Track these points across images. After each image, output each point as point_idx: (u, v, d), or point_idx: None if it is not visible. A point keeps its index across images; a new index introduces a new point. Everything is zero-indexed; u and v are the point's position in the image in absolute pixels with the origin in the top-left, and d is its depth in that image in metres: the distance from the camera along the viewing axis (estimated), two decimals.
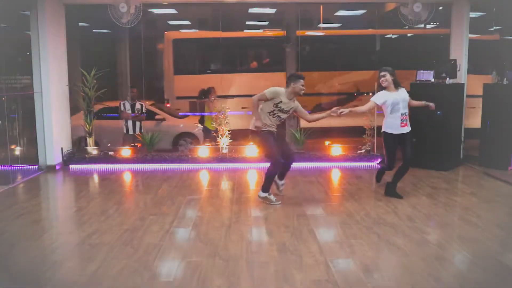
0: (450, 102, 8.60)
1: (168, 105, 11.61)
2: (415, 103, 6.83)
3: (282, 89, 6.30)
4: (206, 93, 10.10)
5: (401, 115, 6.47)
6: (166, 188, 7.55)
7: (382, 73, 6.50)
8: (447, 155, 8.64)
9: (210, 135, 9.79)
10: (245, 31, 12.14)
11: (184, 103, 12.00)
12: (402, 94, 6.53)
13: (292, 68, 10.18)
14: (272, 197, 6.53)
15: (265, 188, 6.52)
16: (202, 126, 10.35)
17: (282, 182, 6.84)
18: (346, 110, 6.33)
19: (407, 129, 6.56)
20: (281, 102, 6.27)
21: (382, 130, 6.65)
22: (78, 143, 10.07)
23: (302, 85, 6.30)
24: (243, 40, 12.27)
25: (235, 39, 11.93)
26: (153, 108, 10.88)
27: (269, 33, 12.59)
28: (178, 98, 12.00)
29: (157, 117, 10.78)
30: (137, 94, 9.84)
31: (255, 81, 11.60)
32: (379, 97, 6.53)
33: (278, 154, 6.38)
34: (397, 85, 6.54)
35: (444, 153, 8.58)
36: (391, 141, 6.60)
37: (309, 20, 12.64)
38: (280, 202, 6.53)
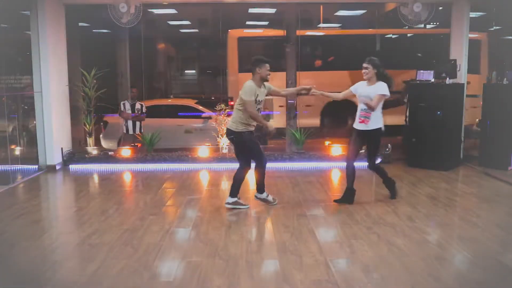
0: (450, 102, 8.61)
1: (232, 103, 11.67)
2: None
3: (251, 83, 5.96)
4: None
5: (361, 110, 6.19)
6: (166, 188, 7.55)
7: (365, 65, 6.16)
8: (447, 155, 8.65)
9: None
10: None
11: None
12: (371, 90, 6.13)
13: (292, 67, 10.19)
14: (241, 201, 6.35)
15: (234, 192, 6.27)
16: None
17: (266, 194, 6.48)
18: (317, 92, 6.32)
19: (363, 126, 6.18)
20: (257, 95, 5.97)
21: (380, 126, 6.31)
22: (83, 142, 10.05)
23: (268, 70, 5.96)
24: (306, 38, 12.30)
25: (302, 37, 11.95)
26: (198, 106, 10.94)
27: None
28: None
29: (203, 115, 10.77)
30: (137, 94, 9.85)
31: (323, 78, 11.69)
32: (355, 86, 6.35)
33: (262, 156, 6.22)
34: (380, 79, 6.15)
35: (444, 153, 8.58)
36: (353, 134, 6.38)
37: (309, 19, 12.66)
38: (248, 205, 6.33)
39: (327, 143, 9.95)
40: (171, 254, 4.75)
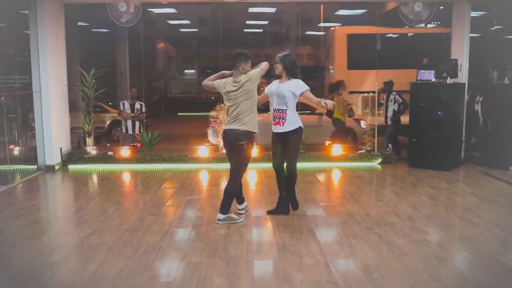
0: (451, 102, 8.62)
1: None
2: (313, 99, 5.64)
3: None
4: (336, 86, 10.21)
5: (273, 111, 5.73)
6: (165, 188, 7.57)
7: (276, 60, 5.78)
8: (447, 155, 8.66)
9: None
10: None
11: (356, 98, 12.18)
12: (283, 87, 5.66)
13: None
14: (234, 215, 5.79)
15: (225, 208, 5.69)
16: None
17: (245, 204, 6.11)
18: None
19: (279, 128, 5.69)
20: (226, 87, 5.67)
21: (300, 126, 5.79)
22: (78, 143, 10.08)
23: (250, 66, 5.62)
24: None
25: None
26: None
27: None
28: (351, 92, 12.09)
29: (318, 111, 10.83)
30: (137, 94, 9.86)
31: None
32: (268, 86, 5.92)
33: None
34: (290, 75, 5.74)
35: (444, 153, 8.59)
36: (272, 140, 5.90)
37: (310, 18, 12.67)
38: (243, 220, 5.82)
39: (327, 142, 9.97)
40: (171, 255, 4.76)
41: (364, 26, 12.64)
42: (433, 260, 4.55)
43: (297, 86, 5.65)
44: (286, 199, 6.02)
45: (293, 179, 5.87)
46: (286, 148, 5.75)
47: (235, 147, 5.55)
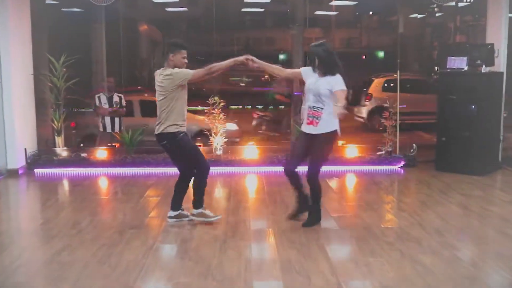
0: (487, 94, 8.61)
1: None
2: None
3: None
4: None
5: (309, 108, 5.86)
6: (149, 196, 7.58)
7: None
8: (482, 157, 8.65)
9: None
10: None
11: None
12: (323, 83, 5.76)
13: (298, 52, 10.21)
14: (208, 211, 6.15)
15: (200, 202, 6.13)
16: None
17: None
18: (257, 63, 5.97)
19: (312, 128, 5.81)
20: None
21: (335, 129, 5.89)
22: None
23: (184, 57, 5.88)
24: None
25: None
26: None
27: None
28: None
29: None
30: (114, 84, 9.87)
31: None
32: (306, 71, 6.00)
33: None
34: (327, 70, 5.78)
35: (478, 155, 8.59)
36: (299, 137, 6.13)
37: None
38: (220, 215, 6.20)
39: (340, 143, 9.99)
40: (155, 274, 4.77)
41: None
42: (464, 280, 4.56)
43: (335, 82, 5.68)
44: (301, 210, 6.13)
45: (315, 191, 5.96)
46: (311, 152, 5.87)
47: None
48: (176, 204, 6.20)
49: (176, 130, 5.84)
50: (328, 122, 5.74)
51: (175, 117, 5.83)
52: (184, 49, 5.86)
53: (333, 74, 5.73)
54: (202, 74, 5.90)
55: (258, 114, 13.02)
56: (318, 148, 5.83)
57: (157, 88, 5.91)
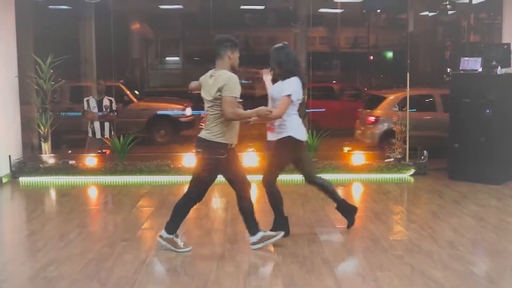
0: (503, 97, 8.63)
1: None
2: None
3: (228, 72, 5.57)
4: None
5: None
6: (142, 206, 7.58)
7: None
8: (499, 164, 8.65)
9: None
10: None
11: None
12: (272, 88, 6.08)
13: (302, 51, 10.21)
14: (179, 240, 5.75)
15: (174, 226, 5.72)
16: None
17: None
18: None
19: (270, 135, 6.09)
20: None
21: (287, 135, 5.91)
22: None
23: (238, 56, 5.69)
24: None
25: None
26: None
27: None
28: None
29: None
30: (105, 87, 9.88)
31: None
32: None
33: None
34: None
35: (495, 162, 8.59)
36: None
37: None
38: (190, 248, 5.78)
39: (346, 149, 10.00)
40: None
41: None
42: None
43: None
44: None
45: (270, 198, 6.07)
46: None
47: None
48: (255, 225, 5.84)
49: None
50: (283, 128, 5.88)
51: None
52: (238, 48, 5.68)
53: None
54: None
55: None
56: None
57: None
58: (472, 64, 8.89)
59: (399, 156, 9.34)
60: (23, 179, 9.12)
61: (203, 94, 5.64)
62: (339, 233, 6.29)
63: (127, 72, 15.53)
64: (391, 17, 16.49)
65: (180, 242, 5.69)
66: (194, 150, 5.74)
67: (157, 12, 15.24)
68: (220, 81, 5.38)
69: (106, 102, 9.66)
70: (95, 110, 9.61)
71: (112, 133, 9.73)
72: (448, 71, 14.29)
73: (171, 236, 5.65)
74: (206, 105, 5.61)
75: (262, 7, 14.89)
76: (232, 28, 12.62)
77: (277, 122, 5.85)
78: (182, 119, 13.22)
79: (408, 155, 9.40)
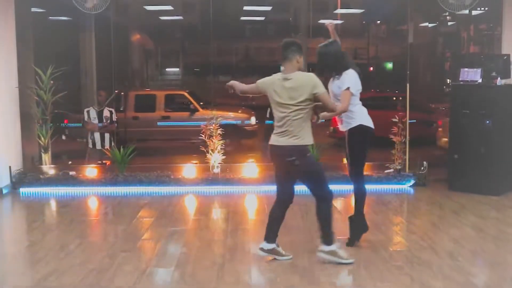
0: (503, 108, 8.65)
1: None
2: None
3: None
4: None
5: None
6: (142, 217, 7.61)
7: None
8: (499, 175, 8.66)
9: None
10: None
11: None
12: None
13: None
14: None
15: (331, 238, 5.73)
16: None
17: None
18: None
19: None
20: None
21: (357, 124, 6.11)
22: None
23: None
24: None
25: None
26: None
27: None
28: None
29: None
30: (105, 98, 9.92)
31: None
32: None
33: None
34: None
35: (495, 173, 8.59)
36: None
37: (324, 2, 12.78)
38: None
39: (345, 160, 10.00)
40: None
41: None
42: None
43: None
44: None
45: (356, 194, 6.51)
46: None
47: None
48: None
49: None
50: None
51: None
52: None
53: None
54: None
55: None
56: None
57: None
58: (472, 75, 8.91)
59: (399, 167, 9.36)
60: (23, 190, 9.12)
61: (277, 99, 5.51)
62: (338, 243, 6.29)
63: (127, 83, 15.55)
64: (391, 28, 16.58)
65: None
66: (286, 159, 5.55)
67: (158, 23, 15.29)
68: (306, 82, 5.44)
69: (106, 113, 9.71)
70: (96, 121, 9.65)
71: (113, 144, 9.76)
72: (448, 82, 14.35)
73: (333, 248, 5.65)
74: (286, 110, 5.47)
75: (262, 19, 14.96)
76: (232, 39, 12.71)
77: (344, 114, 6.05)
78: (247, 128, 13.43)
79: (408, 166, 9.43)
